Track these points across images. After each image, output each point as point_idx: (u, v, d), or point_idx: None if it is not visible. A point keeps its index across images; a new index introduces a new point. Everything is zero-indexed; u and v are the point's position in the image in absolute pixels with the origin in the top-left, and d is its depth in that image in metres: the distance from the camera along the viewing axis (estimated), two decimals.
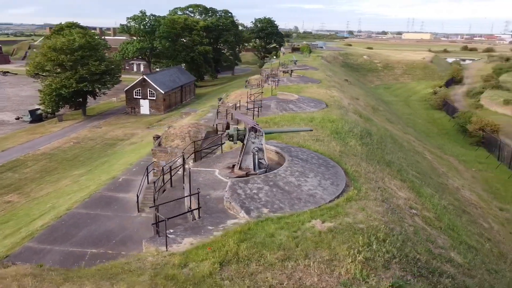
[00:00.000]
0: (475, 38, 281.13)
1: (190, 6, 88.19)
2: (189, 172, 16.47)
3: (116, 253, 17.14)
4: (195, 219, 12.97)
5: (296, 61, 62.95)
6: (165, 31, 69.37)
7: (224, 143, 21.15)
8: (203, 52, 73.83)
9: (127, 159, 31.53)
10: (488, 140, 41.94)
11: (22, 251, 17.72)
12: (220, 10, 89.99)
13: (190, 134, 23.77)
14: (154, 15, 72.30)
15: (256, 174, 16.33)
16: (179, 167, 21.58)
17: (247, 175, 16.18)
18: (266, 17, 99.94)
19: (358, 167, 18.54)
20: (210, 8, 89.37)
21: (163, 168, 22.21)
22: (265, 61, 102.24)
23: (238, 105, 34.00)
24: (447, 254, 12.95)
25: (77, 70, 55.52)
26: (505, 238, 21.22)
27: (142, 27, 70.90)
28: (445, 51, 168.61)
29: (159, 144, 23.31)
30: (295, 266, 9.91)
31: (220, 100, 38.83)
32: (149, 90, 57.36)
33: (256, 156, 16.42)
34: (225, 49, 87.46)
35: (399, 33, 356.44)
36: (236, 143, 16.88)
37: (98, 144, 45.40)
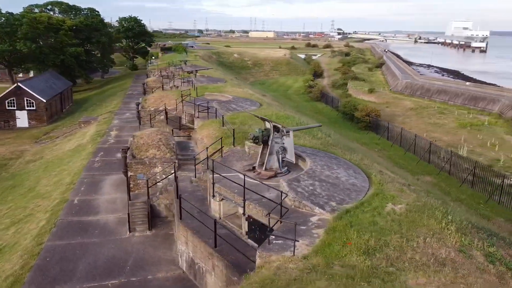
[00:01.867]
0: (310, 36, 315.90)
1: (50, 3, 77.79)
2: (213, 178, 15.98)
3: (141, 279, 15.43)
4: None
5: (187, 61, 62.51)
6: (27, 31, 60.50)
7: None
8: (75, 54, 66.87)
9: (58, 178, 27.34)
10: (375, 124, 49.15)
11: None
12: (85, 9, 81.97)
13: (163, 142, 22.30)
14: (11, 13, 61.80)
15: (282, 173, 16.82)
16: (167, 177, 20.39)
17: (276, 175, 16.55)
18: (132, 15, 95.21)
19: (350, 156, 20.53)
20: (73, 5, 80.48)
21: (147, 180, 20.57)
22: (134, 62, 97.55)
23: (164, 108, 32.71)
24: None
25: None
26: None
27: None
28: (293, 48, 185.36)
29: (133, 156, 21.23)
30: (418, 244, 11.15)
31: (138, 105, 36.49)
32: (27, 100, 49.56)
33: (280, 155, 16.87)
34: (96, 51, 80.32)
35: (246, 32, 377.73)
36: (261, 144, 16.96)
37: None
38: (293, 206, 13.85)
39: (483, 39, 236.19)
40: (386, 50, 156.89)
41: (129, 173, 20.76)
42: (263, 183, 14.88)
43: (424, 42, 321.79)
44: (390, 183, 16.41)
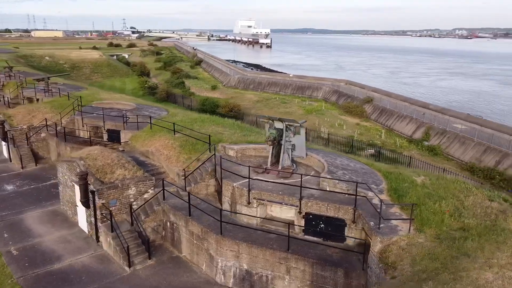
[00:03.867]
0: (108, 36, 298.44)
1: None
2: (248, 185, 15.70)
3: None
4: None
5: (12, 67, 52.59)
6: None
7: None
8: None
9: None
10: (241, 118, 52.17)
11: None
12: None
13: (125, 160, 19.05)
14: None
15: (295, 169, 17.63)
16: (143, 197, 18.31)
17: (293, 172, 17.25)
18: None
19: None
20: None
21: (131, 205, 17.89)
22: None
23: (45, 124, 27.81)
24: None
25: None
26: None
27: None
28: (95, 48, 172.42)
29: (101, 181, 17.41)
30: (464, 200, 14.14)
31: (2, 123, 29.22)
32: None
33: (291, 152, 17.60)
34: None
35: (27, 31, 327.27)
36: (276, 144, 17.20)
37: None
38: (346, 195, 15.01)
39: (266, 36, 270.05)
40: (195, 48, 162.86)
41: (100, 201, 17.62)
42: (285, 183, 15.50)
43: (217, 40, 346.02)
44: (383, 161, 19.23)
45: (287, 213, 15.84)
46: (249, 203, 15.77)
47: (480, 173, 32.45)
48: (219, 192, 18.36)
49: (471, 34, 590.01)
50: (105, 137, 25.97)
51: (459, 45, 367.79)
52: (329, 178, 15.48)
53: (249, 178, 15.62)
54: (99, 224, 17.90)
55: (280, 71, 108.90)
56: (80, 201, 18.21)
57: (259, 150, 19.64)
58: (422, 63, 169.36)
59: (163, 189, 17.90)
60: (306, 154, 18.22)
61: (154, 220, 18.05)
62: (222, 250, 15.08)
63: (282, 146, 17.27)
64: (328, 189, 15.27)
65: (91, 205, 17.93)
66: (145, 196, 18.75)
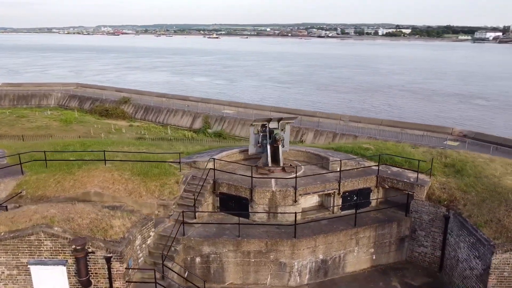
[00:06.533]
0: None
1: None
2: (295, 184, 16.18)
3: None
4: None
5: None
6: None
7: None
8: None
9: None
10: None
11: None
12: None
13: (109, 207, 13.06)
14: None
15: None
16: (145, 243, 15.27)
17: (293, 166, 18.56)
18: None
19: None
20: None
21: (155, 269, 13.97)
22: None
23: None
24: None
25: None
26: None
27: None
28: None
29: (111, 241, 11.31)
30: None
31: None
32: None
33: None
34: None
35: None
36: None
37: None
38: (356, 170, 18.15)
39: None
40: None
41: (123, 266, 13.16)
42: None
43: None
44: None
45: (311, 201, 17.45)
46: (295, 201, 16.26)
47: None
48: (222, 206, 17.16)
49: (117, 31, 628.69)
50: None
51: (113, 41, 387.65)
52: (338, 160, 18.01)
53: (295, 177, 16.07)
54: None
55: None
56: (81, 280, 12.85)
57: (231, 156, 19.22)
58: (93, 60, 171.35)
59: (183, 222, 15.17)
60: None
61: (177, 263, 15.08)
62: (299, 252, 15.25)
63: (280, 145, 18.05)
64: (338, 169, 17.86)
65: (95, 281, 13.04)
66: (148, 242, 15.10)
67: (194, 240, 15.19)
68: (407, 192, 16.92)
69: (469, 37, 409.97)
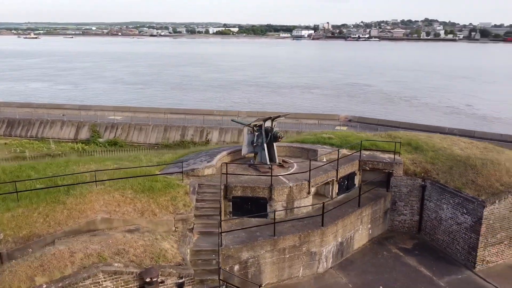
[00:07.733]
0: None
1: None
2: (309, 176, 17.01)
3: None
4: None
5: None
6: None
7: None
8: None
9: None
10: None
11: None
12: None
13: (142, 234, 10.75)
14: None
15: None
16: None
17: (287, 162, 19.28)
18: None
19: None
20: None
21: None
22: None
23: None
24: None
25: None
26: None
27: None
28: None
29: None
30: None
31: None
32: None
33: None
34: None
35: None
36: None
37: None
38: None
39: None
40: None
41: None
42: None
43: None
44: None
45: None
46: (309, 192, 17.06)
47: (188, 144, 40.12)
48: (235, 211, 16.85)
49: None
50: None
51: None
52: (329, 152, 19.45)
53: (309, 170, 16.80)
54: None
55: None
56: None
57: (222, 159, 18.71)
58: None
59: (220, 233, 14.50)
60: None
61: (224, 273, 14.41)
62: (327, 239, 16.20)
63: (275, 143, 18.45)
64: (325, 160, 19.39)
65: None
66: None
67: (233, 248, 14.69)
68: (387, 170, 19.48)
69: (289, 35, 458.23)
